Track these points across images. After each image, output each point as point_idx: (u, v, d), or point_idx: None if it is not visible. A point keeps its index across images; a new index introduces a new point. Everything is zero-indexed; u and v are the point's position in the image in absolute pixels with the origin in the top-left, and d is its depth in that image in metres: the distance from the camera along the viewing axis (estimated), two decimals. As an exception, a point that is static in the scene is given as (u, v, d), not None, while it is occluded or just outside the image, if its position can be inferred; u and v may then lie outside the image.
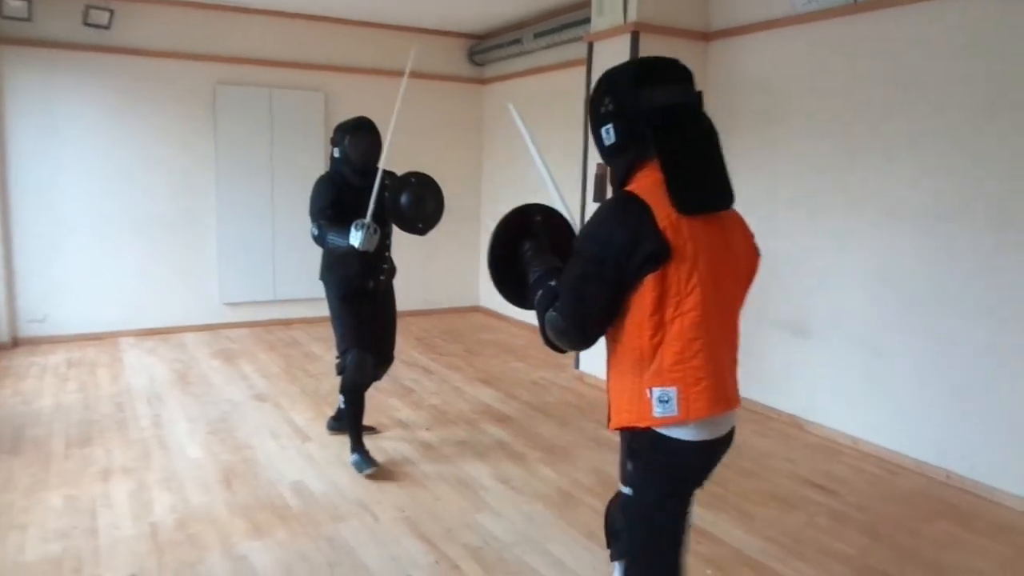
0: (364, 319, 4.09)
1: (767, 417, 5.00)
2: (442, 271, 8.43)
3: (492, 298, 8.46)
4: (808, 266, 4.77)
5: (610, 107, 1.85)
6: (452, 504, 3.62)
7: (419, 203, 4.03)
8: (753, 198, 5.11)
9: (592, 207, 5.58)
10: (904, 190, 4.20)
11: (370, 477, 3.88)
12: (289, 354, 6.38)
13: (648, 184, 1.78)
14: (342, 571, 2.99)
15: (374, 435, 4.49)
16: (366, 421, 4.26)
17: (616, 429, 1.92)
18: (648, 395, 1.78)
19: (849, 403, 4.56)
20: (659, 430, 1.80)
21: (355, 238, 3.73)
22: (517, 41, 7.13)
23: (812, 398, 4.78)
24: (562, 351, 2.02)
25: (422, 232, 4.10)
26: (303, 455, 4.18)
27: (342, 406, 4.11)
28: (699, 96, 1.88)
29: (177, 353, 6.37)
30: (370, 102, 7.64)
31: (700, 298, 1.76)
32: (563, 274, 1.87)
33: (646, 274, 1.72)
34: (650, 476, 1.87)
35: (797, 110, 4.80)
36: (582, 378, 5.83)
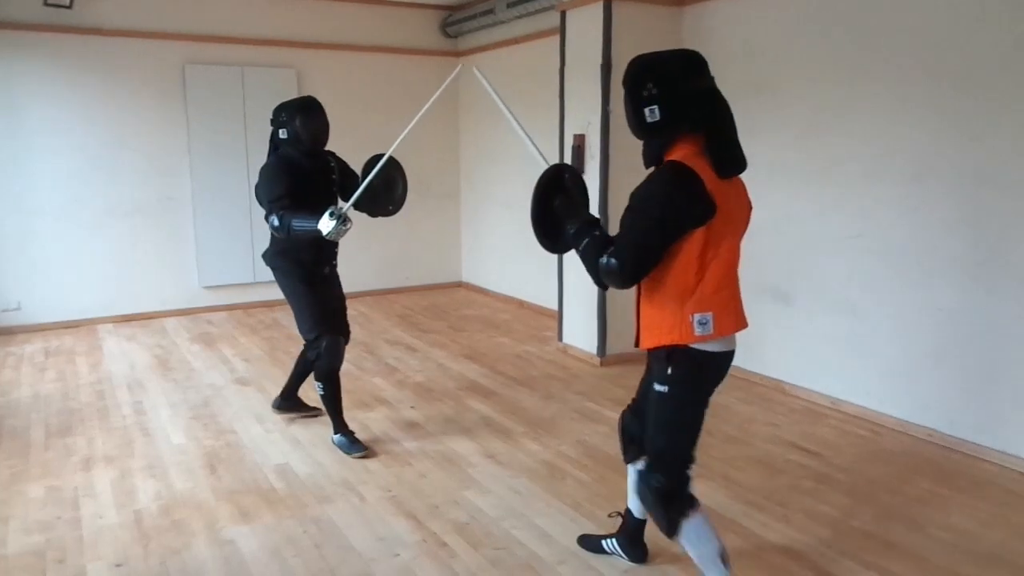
0: (327, 301, 4.03)
1: (750, 382, 5.03)
2: (424, 248, 8.38)
3: (474, 273, 8.43)
4: (789, 232, 4.77)
5: (654, 91, 2.24)
6: (438, 481, 3.62)
7: (391, 186, 3.98)
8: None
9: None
10: (883, 151, 4.19)
11: (360, 458, 3.87)
12: (271, 336, 6.33)
13: (688, 155, 2.25)
14: (329, 552, 2.99)
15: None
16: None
17: (650, 348, 2.41)
18: (690, 319, 2.27)
19: (831, 366, 4.59)
20: (694, 346, 2.30)
21: (326, 225, 3.58)
22: (490, 11, 7.03)
23: (794, 362, 4.81)
24: (606, 287, 2.41)
25: (392, 213, 4.06)
26: (287, 438, 4.16)
27: (321, 393, 4.02)
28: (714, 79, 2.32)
29: (157, 339, 6.30)
30: (343, 78, 7.60)
31: (730, 243, 2.31)
32: (624, 228, 2.29)
33: (697, 228, 2.20)
34: (687, 378, 2.36)
35: (773, 75, 4.77)
36: (566, 350, 5.83)
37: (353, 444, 3.94)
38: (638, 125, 2.31)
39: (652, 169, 2.33)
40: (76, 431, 4.25)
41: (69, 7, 6.26)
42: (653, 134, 2.30)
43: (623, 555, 2.89)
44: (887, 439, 4.11)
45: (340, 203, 3.84)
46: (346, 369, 5.36)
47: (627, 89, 2.33)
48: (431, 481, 3.62)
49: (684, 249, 2.23)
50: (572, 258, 5.68)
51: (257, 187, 3.95)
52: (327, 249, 3.97)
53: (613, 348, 5.52)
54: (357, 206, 3.91)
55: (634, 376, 5.16)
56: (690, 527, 2.40)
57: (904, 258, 4.13)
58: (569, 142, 5.53)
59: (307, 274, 3.97)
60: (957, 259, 3.88)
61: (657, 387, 2.39)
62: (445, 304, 7.73)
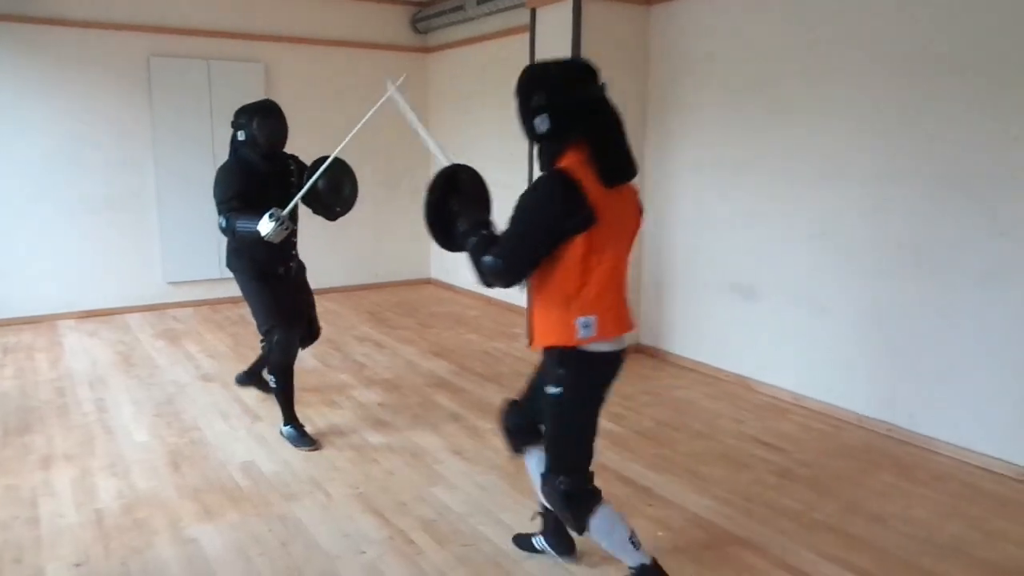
0: (282, 297, 4.04)
1: (716, 379, 5.08)
2: (393, 245, 8.34)
3: (444, 270, 8.41)
4: (752, 229, 4.83)
5: (543, 101, 2.29)
6: (405, 478, 3.61)
7: (337, 188, 4.03)
8: (698, 162, 5.16)
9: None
10: (844, 151, 4.26)
11: (310, 451, 3.91)
12: (237, 333, 6.26)
13: (574, 163, 2.29)
14: (295, 550, 2.96)
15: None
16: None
17: (542, 348, 2.48)
18: (574, 323, 2.34)
19: (795, 362, 4.66)
20: (583, 347, 2.37)
21: (264, 226, 3.62)
22: (460, 8, 7.02)
23: (759, 358, 4.87)
24: (490, 285, 2.42)
25: (340, 215, 4.12)
26: (253, 435, 4.12)
27: (272, 385, 4.11)
28: (605, 87, 2.37)
29: (120, 335, 6.20)
30: (311, 73, 7.53)
31: (613, 251, 2.36)
32: (506, 230, 2.34)
33: (577, 234, 2.26)
34: (578, 378, 2.42)
35: (739, 73, 4.82)
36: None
37: (302, 437, 3.98)
38: (529, 133, 2.37)
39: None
40: (35, 429, 4.16)
41: (29, -4, 6.13)
42: (543, 142, 2.36)
43: (553, 552, 2.90)
44: (848, 434, 4.18)
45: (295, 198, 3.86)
46: (313, 366, 5.36)
47: (518, 99, 2.36)
48: (398, 478, 3.61)
49: (567, 255, 2.29)
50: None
51: (213, 188, 3.94)
52: (278, 249, 3.89)
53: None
54: (314, 210, 4.04)
55: (602, 373, 5.21)
56: (598, 521, 2.46)
57: (865, 255, 4.20)
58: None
59: (260, 272, 4.00)
60: (917, 257, 3.96)
61: (551, 390, 2.43)
62: (414, 301, 7.70)
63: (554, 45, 5.30)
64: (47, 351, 5.72)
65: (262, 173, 3.91)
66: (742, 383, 4.96)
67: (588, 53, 5.15)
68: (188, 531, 3.10)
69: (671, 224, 5.40)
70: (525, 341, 2.41)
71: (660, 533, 3.09)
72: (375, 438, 4.10)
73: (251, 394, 4.72)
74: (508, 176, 6.82)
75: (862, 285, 4.23)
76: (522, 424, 2.73)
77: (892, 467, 3.76)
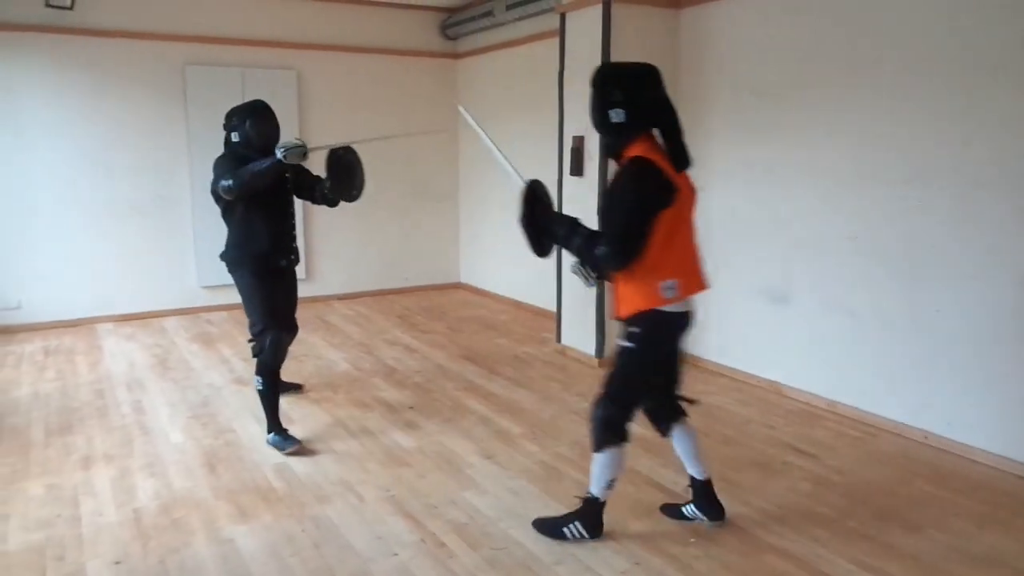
0: (279, 298, 4.10)
1: (747, 384, 5.05)
2: (423, 248, 8.40)
3: (473, 274, 8.45)
4: (785, 233, 4.79)
5: (618, 96, 2.69)
6: (437, 482, 3.63)
7: (350, 171, 4.09)
8: (728, 166, 5.13)
9: (569, 179, 5.57)
10: (877, 153, 4.21)
11: (292, 454, 3.91)
12: (270, 336, 6.34)
13: (645, 150, 2.69)
14: (328, 551, 3.00)
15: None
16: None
17: (626, 317, 2.80)
18: (659, 286, 2.70)
19: (827, 367, 4.61)
20: (660, 308, 2.72)
21: (282, 148, 3.70)
22: (489, 13, 7.05)
23: (791, 364, 4.82)
24: (607, 278, 2.85)
25: (356, 197, 4.16)
26: (286, 437, 4.17)
27: (259, 388, 4.05)
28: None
29: (156, 338, 6.31)
30: (343, 80, 7.62)
31: (687, 223, 2.78)
32: (611, 221, 2.73)
33: (663, 210, 2.64)
34: (650, 336, 2.79)
35: (770, 77, 4.79)
36: (564, 352, 5.85)
37: (286, 440, 3.98)
38: (601, 123, 2.75)
39: (620, 168, 2.75)
40: (76, 430, 4.26)
41: (70, 8, 6.27)
42: (615, 132, 2.75)
43: (704, 517, 3.15)
44: (883, 441, 4.13)
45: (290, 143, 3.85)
46: (344, 369, 5.41)
47: (596, 91, 2.75)
48: (430, 481, 3.63)
49: (654, 228, 2.64)
50: (570, 259, 5.69)
51: (213, 175, 3.92)
52: (282, 240, 4.06)
53: (612, 349, 5.53)
54: (329, 195, 4.14)
55: (632, 377, 5.19)
56: (608, 454, 2.89)
57: (900, 259, 4.15)
58: (568, 144, 5.55)
59: (260, 268, 4.00)
60: (953, 260, 3.90)
61: (623, 343, 2.82)
62: (444, 305, 7.74)
63: (584, 50, 5.32)
64: (87, 354, 5.84)
65: None
66: (774, 389, 4.92)
67: (617, 57, 5.15)
68: (224, 531, 3.15)
69: (701, 227, 5.34)
70: (611, 314, 3.03)
71: (692, 539, 3.08)
72: (406, 441, 4.13)
73: (284, 397, 4.76)
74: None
75: (896, 289, 4.18)
76: (656, 404, 3.05)
77: (928, 475, 3.71)
